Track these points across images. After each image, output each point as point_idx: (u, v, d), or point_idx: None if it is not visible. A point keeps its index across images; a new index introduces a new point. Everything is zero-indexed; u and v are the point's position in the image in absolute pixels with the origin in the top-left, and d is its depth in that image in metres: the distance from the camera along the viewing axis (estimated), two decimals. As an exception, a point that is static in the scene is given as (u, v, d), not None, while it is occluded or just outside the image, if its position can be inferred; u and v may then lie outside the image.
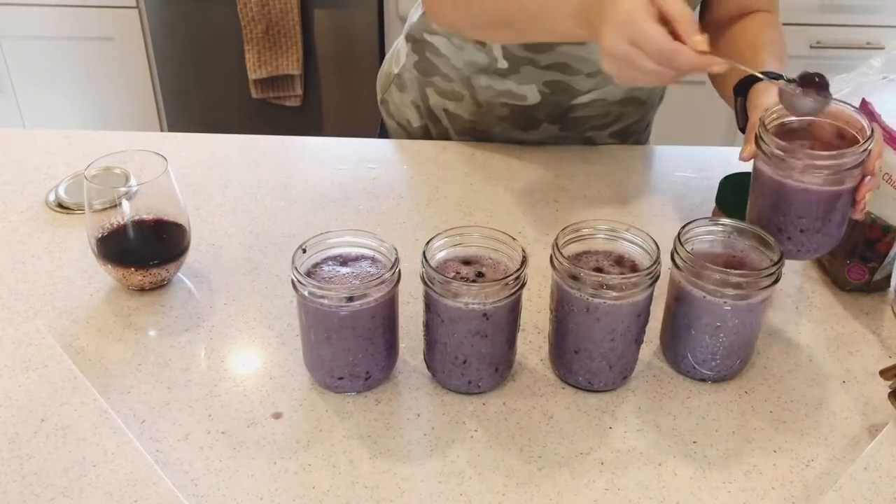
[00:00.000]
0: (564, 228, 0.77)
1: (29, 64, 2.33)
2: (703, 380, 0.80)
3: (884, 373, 0.77)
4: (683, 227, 0.78)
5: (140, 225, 0.87)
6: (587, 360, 0.76)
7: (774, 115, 0.79)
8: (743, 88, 0.89)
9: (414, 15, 1.18)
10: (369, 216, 1.05)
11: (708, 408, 0.77)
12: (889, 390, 0.76)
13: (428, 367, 0.79)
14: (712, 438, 0.74)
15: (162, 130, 2.41)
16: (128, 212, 0.86)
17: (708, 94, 2.20)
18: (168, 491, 0.65)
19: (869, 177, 0.77)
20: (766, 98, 0.84)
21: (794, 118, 0.80)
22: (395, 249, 0.75)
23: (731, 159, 1.21)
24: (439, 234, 0.76)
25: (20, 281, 0.91)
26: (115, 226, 0.87)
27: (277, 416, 0.75)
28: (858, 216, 0.80)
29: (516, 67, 1.09)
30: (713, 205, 0.90)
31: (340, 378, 0.76)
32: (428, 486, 0.69)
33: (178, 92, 2.37)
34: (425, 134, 1.23)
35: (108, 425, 0.71)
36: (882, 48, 1.03)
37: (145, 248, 0.88)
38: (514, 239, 0.75)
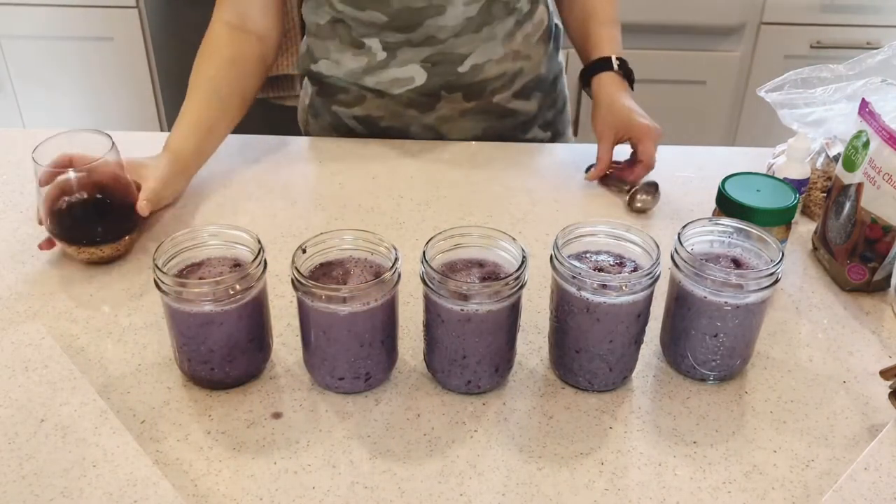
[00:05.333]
0: (564, 228, 0.77)
1: (29, 64, 2.33)
2: (703, 380, 0.80)
3: (884, 373, 0.77)
4: (683, 227, 0.78)
5: (85, 203, 0.92)
6: (587, 360, 0.76)
7: None
8: (586, 75, 1.17)
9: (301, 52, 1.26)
10: (369, 216, 1.05)
11: (708, 408, 0.77)
12: (889, 390, 0.76)
13: (428, 367, 0.79)
14: (712, 438, 0.74)
15: (162, 130, 2.41)
16: (75, 189, 0.91)
17: (708, 94, 2.22)
18: (168, 491, 0.65)
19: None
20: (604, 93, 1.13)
21: None
22: (395, 249, 0.75)
23: (731, 159, 1.21)
24: (439, 234, 0.76)
25: (20, 281, 0.91)
26: (63, 205, 0.91)
27: (277, 416, 0.75)
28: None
29: (393, 54, 1.14)
30: (713, 205, 0.90)
31: (340, 378, 0.76)
32: (428, 486, 0.69)
33: (178, 92, 2.36)
34: None
35: (108, 425, 0.71)
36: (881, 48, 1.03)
37: (91, 225, 0.92)
38: (513, 239, 0.75)
